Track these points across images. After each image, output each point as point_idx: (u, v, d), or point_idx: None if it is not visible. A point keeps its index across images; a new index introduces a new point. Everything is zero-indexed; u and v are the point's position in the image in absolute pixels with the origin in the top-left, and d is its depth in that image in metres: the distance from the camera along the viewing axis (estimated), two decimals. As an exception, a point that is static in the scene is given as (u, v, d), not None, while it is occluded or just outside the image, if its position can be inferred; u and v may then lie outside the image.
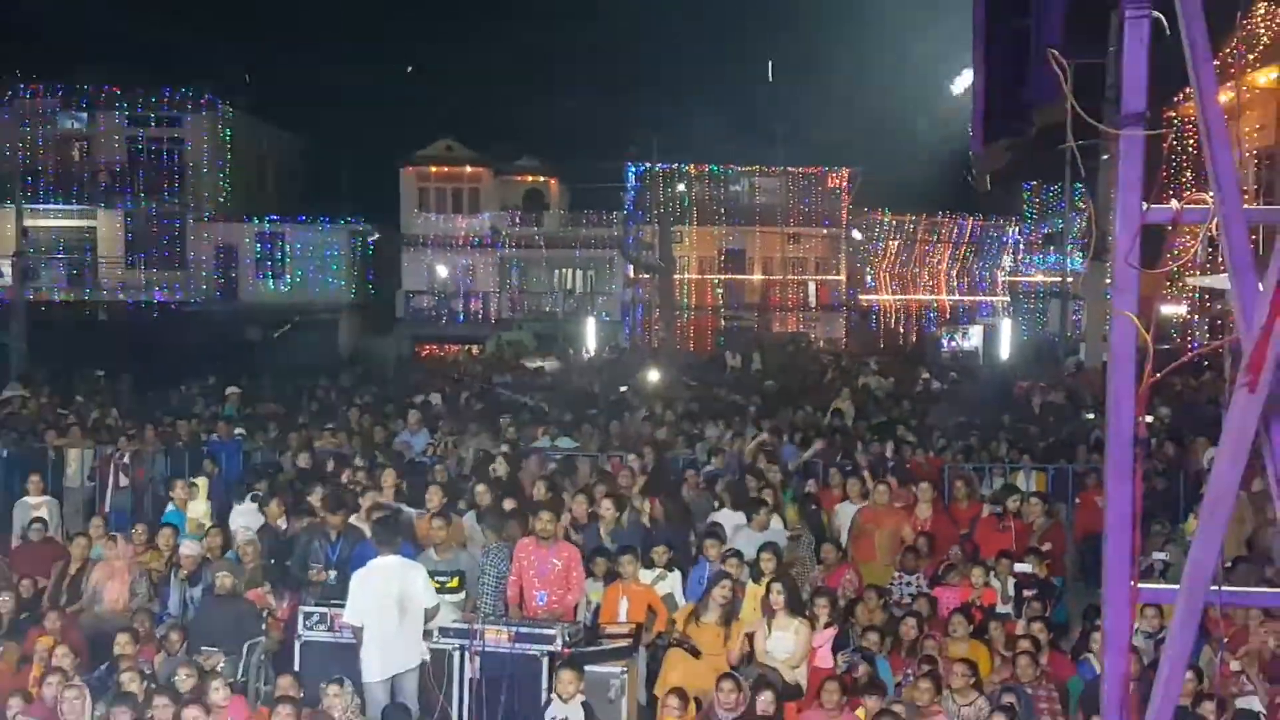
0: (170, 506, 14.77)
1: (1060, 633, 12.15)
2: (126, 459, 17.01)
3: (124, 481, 16.87)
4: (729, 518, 13.67)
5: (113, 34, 44.64)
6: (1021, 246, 63.93)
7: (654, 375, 29.25)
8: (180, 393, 26.32)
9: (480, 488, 13.61)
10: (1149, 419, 19.79)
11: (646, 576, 11.94)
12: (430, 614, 10.48)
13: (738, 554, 12.02)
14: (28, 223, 40.93)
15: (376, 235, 50.13)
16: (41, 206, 44.60)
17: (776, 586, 10.86)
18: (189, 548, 12.78)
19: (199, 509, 14.59)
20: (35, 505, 14.91)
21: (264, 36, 58.51)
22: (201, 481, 15.26)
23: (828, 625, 11.13)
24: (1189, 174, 24.11)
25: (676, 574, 12.22)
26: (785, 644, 10.67)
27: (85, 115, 45.96)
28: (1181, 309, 31.13)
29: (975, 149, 4.96)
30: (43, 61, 44.48)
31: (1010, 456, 17.89)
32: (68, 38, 44.15)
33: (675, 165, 54.22)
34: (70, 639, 11.09)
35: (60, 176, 45.55)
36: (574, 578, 11.49)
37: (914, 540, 13.31)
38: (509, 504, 12.95)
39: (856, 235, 56.95)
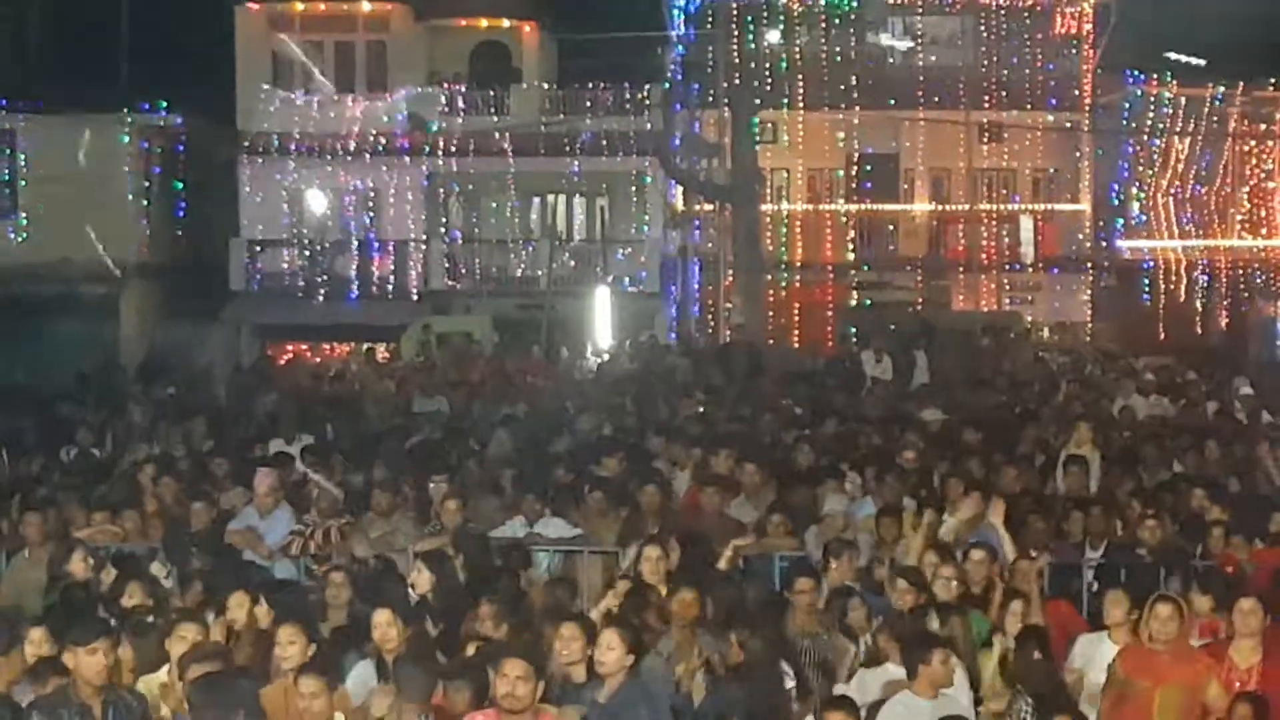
0: None
1: None
2: None
3: None
4: (874, 675, 13.67)
5: None
6: None
7: (718, 396, 29.28)
8: None
9: (381, 616, 13.61)
10: None
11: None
12: None
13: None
14: None
15: (192, 135, 50.34)
16: None
17: None
18: None
19: None
20: None
21: None
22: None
23: None
24: None
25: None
26: None
27: None
28: None
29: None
30: None
31: None
32: None
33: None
34: None
35: None
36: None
37: (1229, 708, 13.25)
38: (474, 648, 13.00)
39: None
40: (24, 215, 47.87)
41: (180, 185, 50.46)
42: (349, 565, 16.52)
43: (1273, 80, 59.12)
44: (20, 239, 47.53)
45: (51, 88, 49.21)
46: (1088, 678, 14.29)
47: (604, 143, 50.86)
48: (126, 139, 48.51)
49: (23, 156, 47.90)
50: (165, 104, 49.52)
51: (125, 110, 48.67)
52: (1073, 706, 13.71)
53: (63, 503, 20.06)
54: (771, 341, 48.82)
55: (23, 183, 47.90)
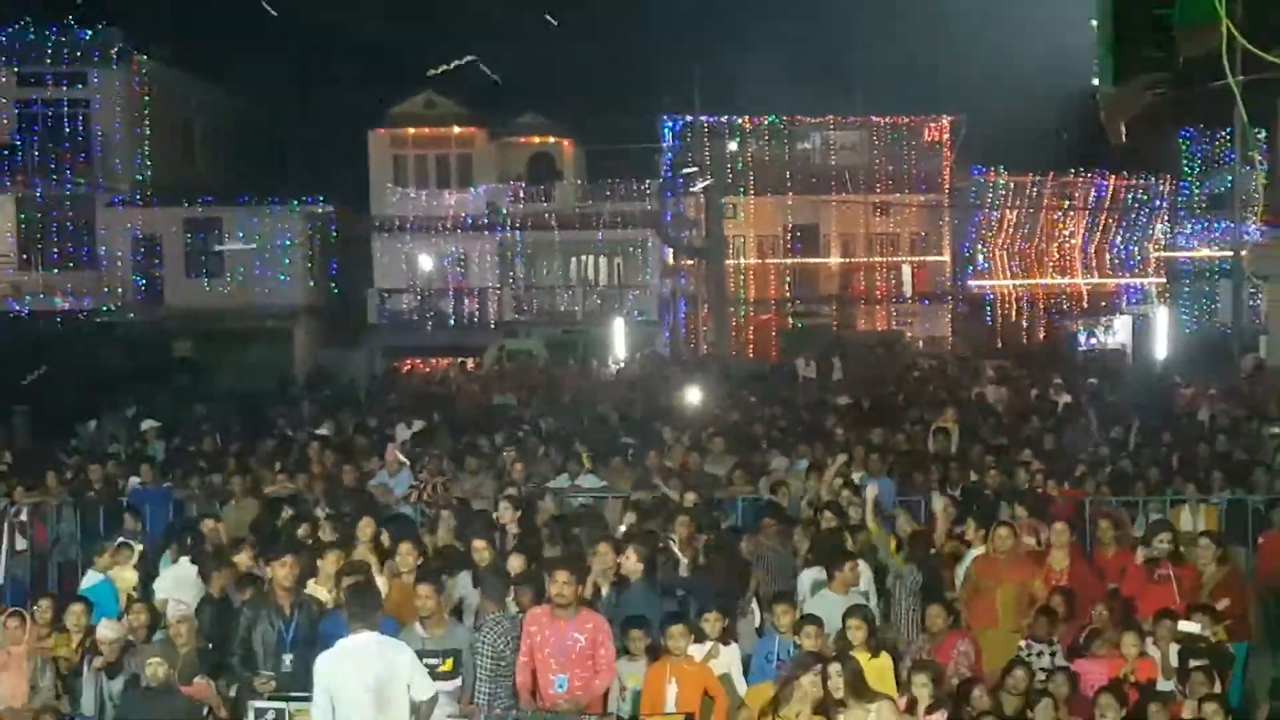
0: (87, 576, 14.83)
1: (1242, 715, 12.06)
2: (24, 515, 17.13)
3: (21, 544, 16.98)
4: (805, 576, 13.68)
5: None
6: (1180, 212, 63.48)
7: (699, 391, 29.21)
8: (92, 428, 26.47)
9: (477, 543, 13.62)
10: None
11: (696, 652, 11.92)
12: (423, 709, 10.47)
13: (816, 622, 11.99)
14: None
15: (340, 219, 50.36)
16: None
17: (835, 668, 10.84)
18: (107, 629, 12.84)
19: (127, 577, 14.60)
20: (-92, 576, 15.06)
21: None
22: (135, 545, 15.26)
23: (932, 709, 11.12)
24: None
25: (734, 648, 12.20)
26: (865, 737, 10.65)
27: (-40, 72, 46.51)
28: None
29: (1104, 86, 4.96)
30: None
31: (1172, 487, 17.79)
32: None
33: (725, 118, 54.27)
34: (-45, 750, 11.19)
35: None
36: (602, 656, 11.49)
37: (1047, 598, 13.26)
38: (516, 563, 12.98)
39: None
40: (228, 274, 47.85)
41: (333, 253, 50.41)
42: (453, 507, 16.53)
43: (1071, 170, 59.29)
44: (226, 290, 47.49)
45: (245, 189, 49.29)
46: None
47: (619, 220, 50.87)
48: (296, 221, 48.49)
49: (227, 235, 47.90)
50: (322, 197, 49.56)
51: (295, 202, 48.68)
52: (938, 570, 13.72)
53: (257, 467, 20.16)
54: (734, 354, 48.87)
55: (226, 254, 47.88)
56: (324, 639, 11.28)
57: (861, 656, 11.69)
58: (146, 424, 24.08)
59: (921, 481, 18.11)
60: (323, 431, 24.35)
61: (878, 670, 11.76)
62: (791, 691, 10.90)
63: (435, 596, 11.96)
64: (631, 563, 13.22)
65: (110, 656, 12.46)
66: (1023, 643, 12.79)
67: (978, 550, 14.17)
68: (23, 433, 26.32)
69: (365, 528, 14.49)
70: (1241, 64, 4.72)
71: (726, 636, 12.24)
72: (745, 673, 12.24)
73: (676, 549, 14.27)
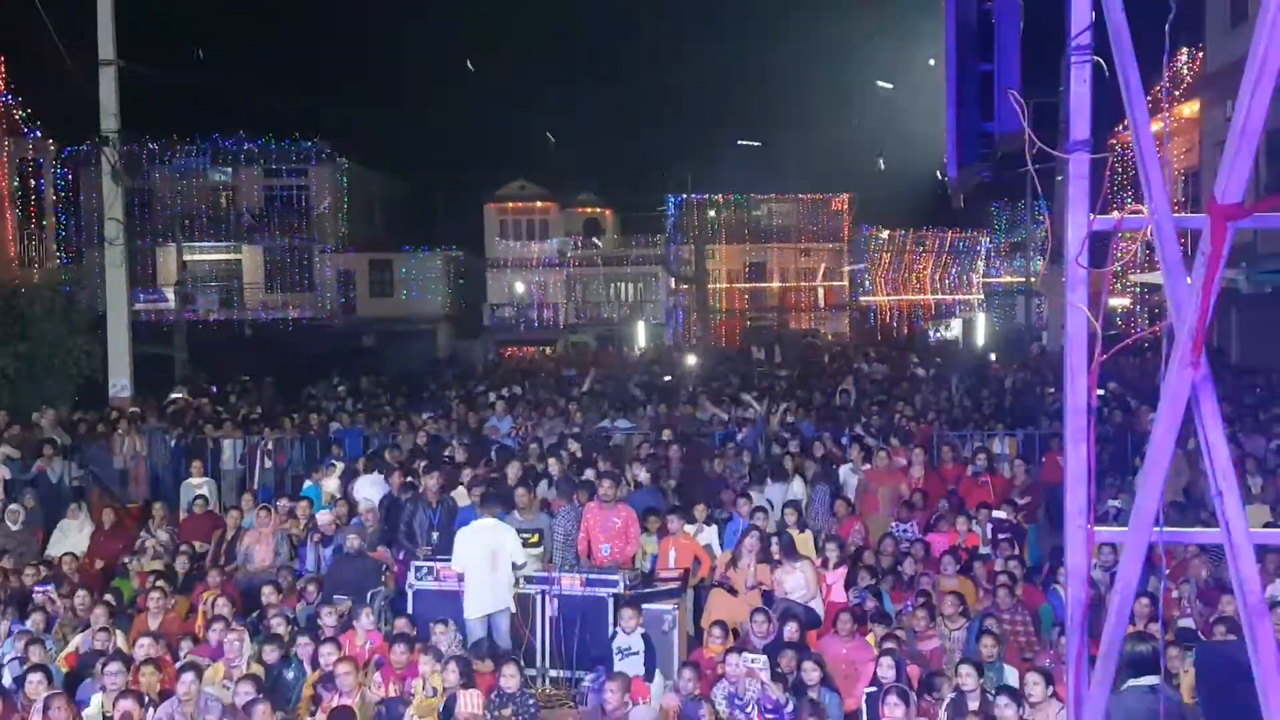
0: (307, 483, 14.90)
1: (1033, 570, 12.03)
2: (270, 446, 17.18)
3: (268, 464, 17.03)
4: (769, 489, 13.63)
5: (249, 98, 45.21)
6: (992, 253, 63.30)
7: (691, 361, 29.17)
8: (312, 391, 26.56)
9: (552, 462, 13.65)
10: (1100, 391, 19.60)
11: (691, 530, 11.93)
12: (519, 568, 10.53)
13: (764, 509, 12.00)
14: (186, 258, 41.61)
15: (466, 260, 50.38)
16: (197, 244, 45.27)
17: (775, 540, 10.84)
18: (323, 516, 12.91)
19: (332, 484, 14.68)
20: (198, 485, 15.10)
21: (373, 99, 58.95)
22: (338, 464, 15.34)
23: (838, 566, 11.11)
24: (1129, 190, 23.83)
25: (713, 528, 12.21)
26: (796, 582, 10.64)
27: (229, 169, 46.56)
28: (1125, 301, 30.83)
29: (951, 174, 4.93)
30: (195, 124, 45.16)
31: (987, 425, 17.71)
32: (213, 104, 44.74)
33: (707, 195, 54.13)
34: (228, 592, 11.24)
35: (211, 219, 46.20)
36: (631, 533, 11.52)
37: (910, 496, 13.24)
38: (590, 474, 13.01)
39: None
40: (396, 295, 47.89)
41: (461, 281, 50.38)
42: (536, 439, 16.52)
43: (925, 226, 59.08)
44: (396, 304, 47.58)
45: (406, 240, 49.36)
46: (847, 482, 14.24)
47: (641, 260, 50.81)
48: (438, 262, 48.51)
49: (394, 271, 48.03)
50: (455, 245, 49.55)
51: (439, 249, 48.68)
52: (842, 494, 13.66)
53: (414, 415, 20.17)
54: (712, 344, 48.68)
55: (396, 281, 47.99)
56: (460, 521, 11.37)
57: (794, 532, 11.71)
58: (339, 386, 24.04)
59: (831, 423, 18.07)
60: (458, 392, 24.37)
61: (803, 541, 11.79)
62: (741, 551, 10.93)
63: (529, 494, 12.04)
64: (644, 475, 13.27)
65: (325, 533, 12.53)
66: (894, 524, 12.79)
67: (863, 467, 14.11)
68: (268, 394, 26.35)
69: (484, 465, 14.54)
70: (1036, 156, 4.67)
71: (710, 520, 12.25)
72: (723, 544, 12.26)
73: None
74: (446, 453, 15.19)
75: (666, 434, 16.18)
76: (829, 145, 52.49)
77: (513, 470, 13.23)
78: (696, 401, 20.48)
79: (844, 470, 14.31)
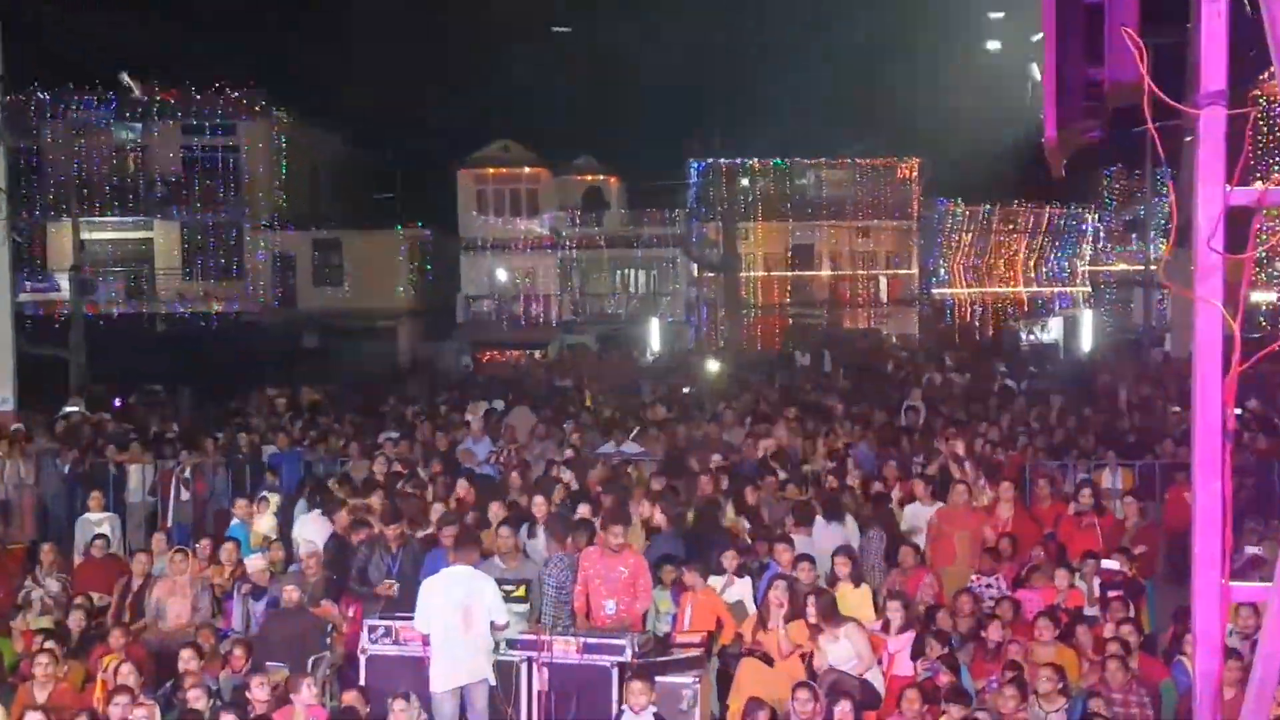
0: (234, 520, 14.97)
1: (1151, 636, 12.00)
2: (187, 473, 17.25)
3: (185, 495, 17.09)
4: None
5: (162, 42, 45.39)
6: (1102, 234, 63.25)
7: (718, 369, 29.22)
8: (240, 405, 26.62)
9: (538, 499, 13.66)
10: (1238, 411, 19.50)
11: (716, 583, 11.92)
12: (500, 628, 10.54)
13: (809, 559, 11.98)
14: (84, 236, 41.68)
15: (434, 240, 50.47)
16: (98, 219, 45.44)
17: (811, 599, 10.84)
18: (254, 562, 12.96)
19: (265, 523, 14.75)
20: (97, 521, 15.17)
21: (316, 40, 59.12)
22: (274, 497, 15.40)
23: (903, 630, 11.08)
24: (1276, 155, 23.81)
25: (746, 580, 12.18)
26: (841, 652, 10.62)
27: (139, 125, 46.71)
28: (1271, 295, 30.71)
29: (1049, 133, 4.91)
30: (95, 70, 45.25)
31: (1095, 453, 17.68)
32: (118, 47, 44.85)
33: (738, 160, 54.14)
34: (134, 656, 11.24)
35: (116, 188, 46.35)
36: (641, 585, 11.53)
37: (995, 542, 13.20)
38: (585, 510, 13.05)
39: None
40: (346, 283, 48.03)
41: (429, 266, 50.51)
42: (522, 467, 16.53)
43: (1015, 201, 59.05)
44: (344, 296, 47.70)
45: (359, 216, 49.57)
46: (912, 523, 14.22)
47: (655, 241, 50.84)
48: (400, 242, 48.66)
49: (344, 253, 48.18)
50: (421, 222, 49.74)
51: (400, 227, 48.87)
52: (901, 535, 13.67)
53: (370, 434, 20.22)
54: (745, 346, 48.76)
55: (346, 266, 48.07)
56: (426, 569, 11.40)
57: (846, 587, 11.72)
58: (280, 400, 24.18)
59: (895, 450, 18.05)
60: (423, 407, 24.41)
61: (860, 597, 11.78)
62: (768, 608, 10.95)
63: (513, 537, 12.09)
64: (659, 516, 13.30)
65: (261, 583, 12.58)
66: (974, 577, 12.76)
67: (930, 506, 14.08)
68: (186, 407, 26.47)
69: (463, 488, 14.61)
70: (1157, 113, 4.66)
71: (741, 571, 12.24)
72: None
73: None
74: (409, 487, 15.20)
75: (693, 462, 16.20)
76: (894, 96, 52.52)
77: (494, 506, 13.24)
78: (724, 420, 20.48)
79: (911, 508, 14.30)
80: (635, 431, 19.28)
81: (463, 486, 14.68)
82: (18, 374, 21.72)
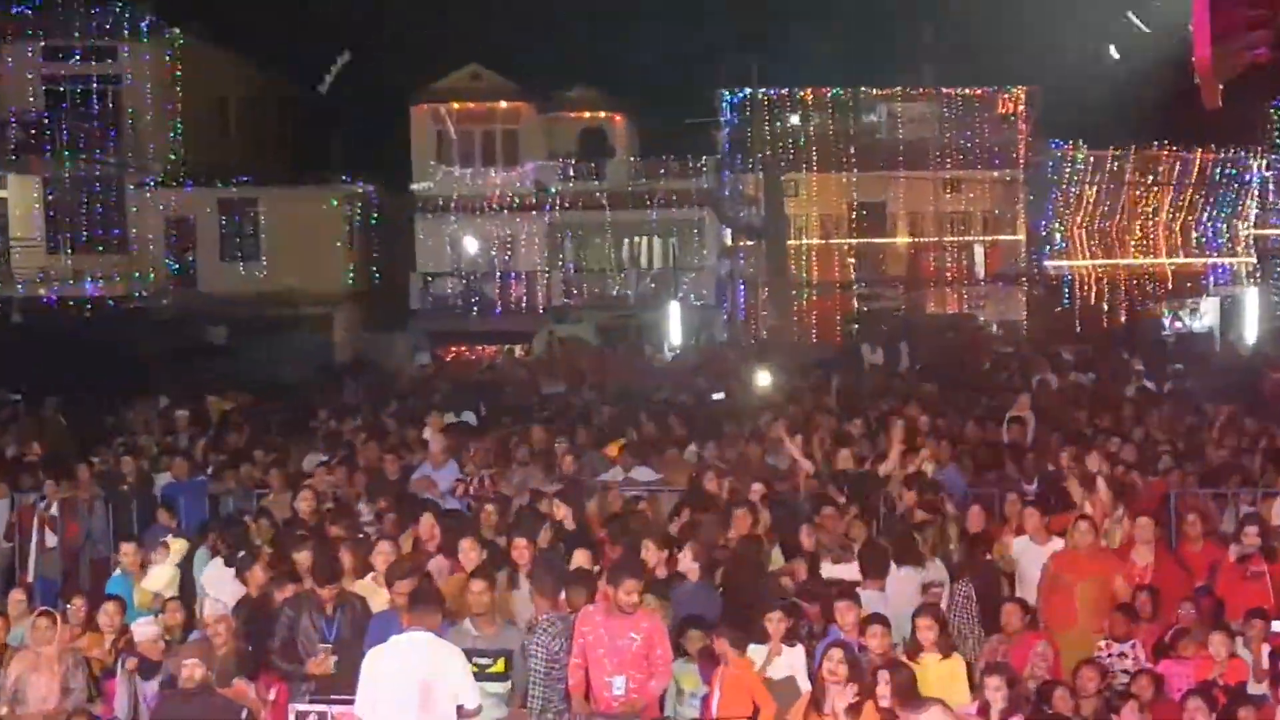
0: (116, 572, 14.95)
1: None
2: (54, 510, 17.26)
3: (52, 540, 17.12)
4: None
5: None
6: (1272, 187, 63.01)
7: (760, 369, 29.18)
8: (124, 419, 26.66)
9: (520, 541, 13.63)
10: None
11: (757, 654, 11.91)
12: (470, 714, 10.53)
13: (882, 620, 11.95)
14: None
15: (381, 199, 50.51)
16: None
17: (884, 675, 10.83)
18: (142, 628, 12.94)
19: (160, 576, 14.71)
20: (-67, 575, 15.19)
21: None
22: (177, 544, 15.33)
23: (1008, 715, 11.07)
24: None
25: (799, 649, 12.16)
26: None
27: (-13, 47, 46.78)
28: None
29: (1199, 52, 4.90)
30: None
31: (1265, 478, 17.64)
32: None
33: (786, 91, 54.14)
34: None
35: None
36: (658, 657, 11.52)
37: (1130, 596, 13.18)
38: (583, 557, 13.06)
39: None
40: (264, 258, 47.97)
41: (373, 235, 50.55)
42: (499, 500, 16.54)
43: (1155, 142, 58.85)
44: (261, 275, 47.63)
45: (281, 167, 49.50)
46: (1020, 569, 14.23)
47: (674, 199, 50.76)
48: (336, 203, 48.64)
49: (263, 217, 48.02)
50: (362, 177, 49.76)
51: (334, 183, 48.91)
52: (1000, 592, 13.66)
53: (296, 460, 20.24)
54: (796, 339, 48.79)
55: (262, 235, 48.02)
56: (372, 637, 11.39)
57: (931, 658, 11.69)
58: (179, 413, 24.21)
59: (996, 475, 18.04)
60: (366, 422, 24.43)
61: (949, 672, 11.75)
62: (826, 690, 10.93)
63: (490, 593, 12.04)
64: (688, 561, 13.27)
65: (154, 656, 12.56)
66: (1102, 643, 12.74)
67: (1044, 545, 14.07)
68: (53, 424, 26.48)
69: (425, 524, 14.59)
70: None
71: (791, 637, 12.20)
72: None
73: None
74: (340, 528, 15.23)
75: (721, 484, 16.20)
76: (992, 10, 52.43)
77: (465, 547, 13.23)
78: (767, 436, 20.47)
79: (1017, 547, 14.35)
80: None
81: (426, 524, 14.61)
82: None
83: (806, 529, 14.77)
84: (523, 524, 14.74)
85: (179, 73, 47.91)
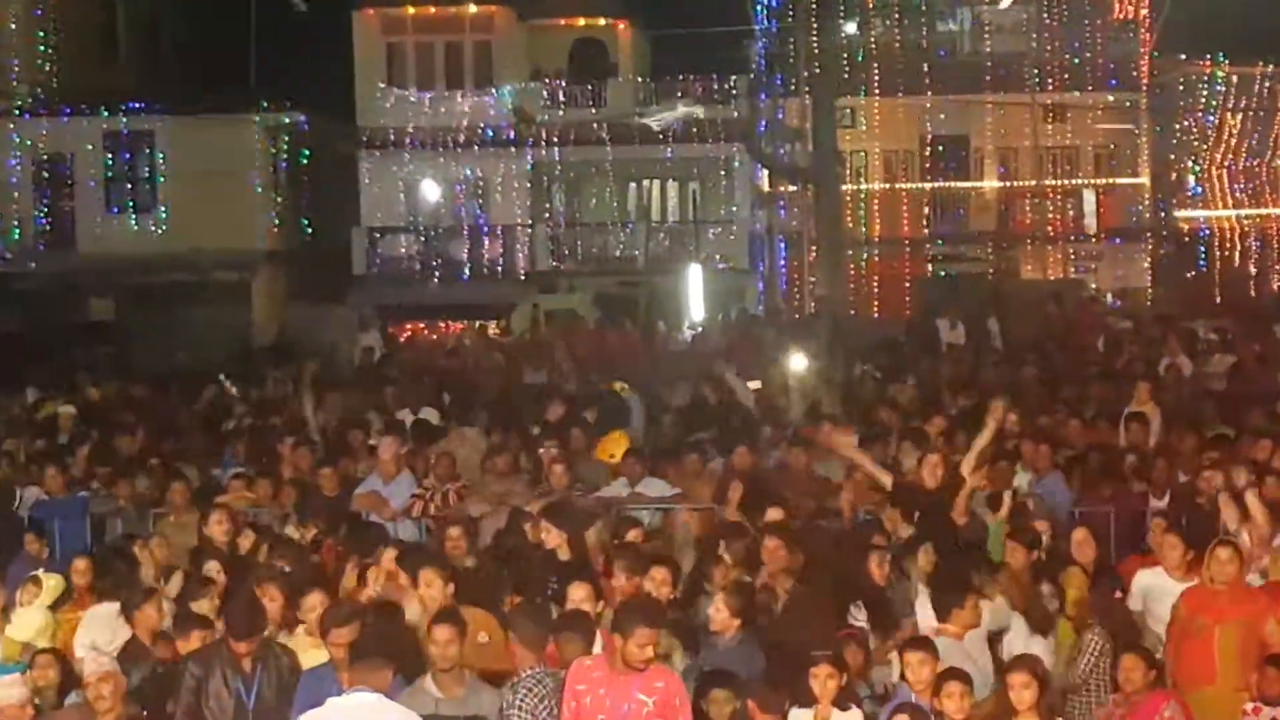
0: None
1: None
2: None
3: (-110, 575, 17.16)
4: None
5: None
6: None
7: (804, 363, 29.14)
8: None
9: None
10: None
11: (802, 718, 11.95)
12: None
13: (961, 676, 11.98)
14: None
15: (314, 133, 50.50)
16: None
17: None
18: (6, 690, 12.96)
19: (29, 623, 14.71)
20: None
21: None
22: (51, 581, 15.31)
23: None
24: None
25: (855, 713, 12.20)
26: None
27: None
28: None
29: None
30: None
31: None
32: None
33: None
34: None
35: None
36: (677, 724, 11.56)
37: (1284, 645, 13.21)
38: (581, 592, 13.10)
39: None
40: (163, 209, 47.99)
41: (305, 179, 50.56)
42: (466, 522, 16.55)
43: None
44: (159, 231, 47.66)
45: (185, 91, 49.43)
46: (1149, 612, 14.26)
47: (694, 130, 50.75)
48: (256, 137, 48.64)
49: (161, 155, 48.03)
50: (290, 103, 49.71)
51: (254, 110, 48.83)
52: (1140, 641, 13.67)
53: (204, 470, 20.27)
54: (853, 312, 48.76)
55: (160, 179, 48.04)
56: (302, 700, 11.40)
57: (1030, 721, 11.72)
58: (64, 409, 24.20)
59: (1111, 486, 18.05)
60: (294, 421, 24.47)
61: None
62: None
63: (458, 643, 12.00)
64: (723, 616, 13.25)
65: (19, 720, 12.59)
66: (1249, 705, 12.75)
67: (1183, 583, 14.11)
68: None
69: (389, 561, 14.56)
70: None
71: (844, 698, 12.22)
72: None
73: None
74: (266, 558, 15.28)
75: (772, 512, 16.23)
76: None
77: (426, 578, 13.24)
78: (817, 440, 20.49)
79: (1140, 584, 14.37)
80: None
81: (388, 559, 14.58)
82: None
83: (875, 559, 14.78)
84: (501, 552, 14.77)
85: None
